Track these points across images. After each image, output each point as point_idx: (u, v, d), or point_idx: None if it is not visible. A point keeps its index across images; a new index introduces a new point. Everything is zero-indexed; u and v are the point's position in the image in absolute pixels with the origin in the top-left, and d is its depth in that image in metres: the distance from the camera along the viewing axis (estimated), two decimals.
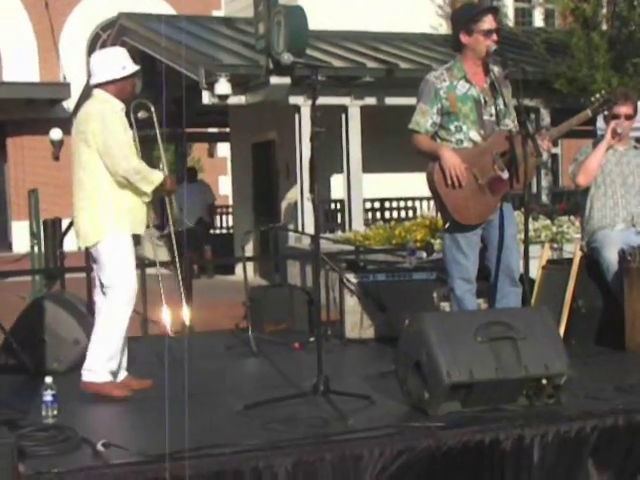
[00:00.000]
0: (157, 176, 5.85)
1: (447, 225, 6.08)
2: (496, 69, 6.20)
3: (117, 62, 5.90)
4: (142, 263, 12.28)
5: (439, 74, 6.12)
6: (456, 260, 6.12)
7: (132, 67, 5.94)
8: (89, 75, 6.05)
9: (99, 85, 5.90)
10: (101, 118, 5.76)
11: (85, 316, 6.72)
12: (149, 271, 11.08)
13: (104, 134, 5.72)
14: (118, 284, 5.79)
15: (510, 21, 18.35)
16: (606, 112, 6.99)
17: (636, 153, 7.19)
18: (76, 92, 22.65)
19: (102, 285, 5.88)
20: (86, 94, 6.15)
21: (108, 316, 5.81)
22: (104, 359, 5.76)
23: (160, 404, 5.53)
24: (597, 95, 6.53)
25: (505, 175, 6.00)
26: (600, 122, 10.05)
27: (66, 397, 5.31)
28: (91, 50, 29.29)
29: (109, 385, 5.76)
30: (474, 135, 6.06)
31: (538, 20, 20.20)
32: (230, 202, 22.83)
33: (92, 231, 5.81)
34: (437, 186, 5.99)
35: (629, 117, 7.06)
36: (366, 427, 4.64)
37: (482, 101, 6.10)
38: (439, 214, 6.34)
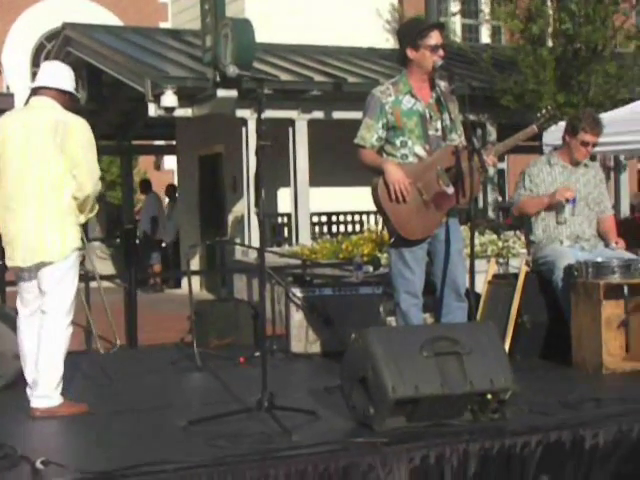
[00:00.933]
0: (97, 208, 5.83)
1: (392, 239, 6.09)
2: (442, 84, 6.21)
3: (73, 80, 5.81)
4: (86, 276, 12.15)
5: (385, 89, 6.12)
6: (402, 274, 6.12)
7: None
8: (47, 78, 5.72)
9: (57, 92, 5.66)
10: (88, 130, 5.62)
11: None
12: (92, 284, 10.95)
13: (86, 148, 5.57)
14: (69, 304, 5.61)
15: (457, 37, 18.47)
16: (572, 136, 7.04)
17: (585, 171, 7.22)
18: (20, 103, 22.43)
19: (45, 306, 5.59)
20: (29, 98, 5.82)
21: (60, 339, 5.57)
22: (57, 382, 5.58)
23: (102, 420, 5.48)
24: (543, 111, 6.57)
25: (450, 190, 6.01)
26: (547, 138, 10.16)
27: (4, 414, 5.22)
28: (35, 60, 29.12)
29: (65, 405, 5.61)
30: (419, 150, 6.07)
31: (485, 36, 20.38)
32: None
33: (59, 246, 5.53)
34: (381, 201, 5.99)
35: (595, 145, 7.13)
36: (311, 443, 4.60)
37: (427, 116, 6.10)
38: (385, 228, 6.34)
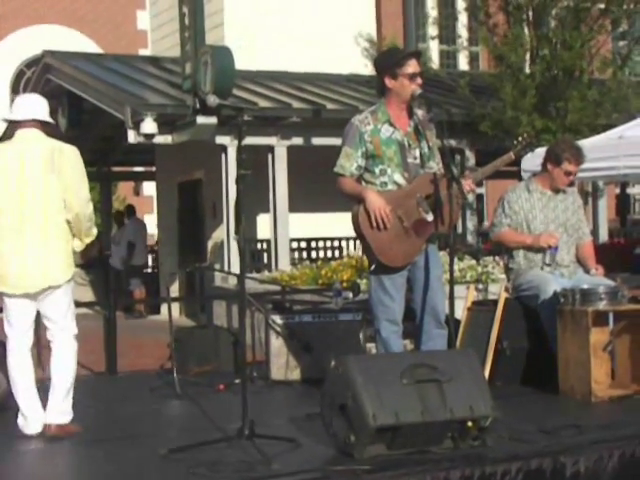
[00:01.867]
0: (95, 232, 5.97)
1: (373, 267, 6.09)
2: (419, 112, 6.24)
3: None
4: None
5: (363, 118, 6.14)
6: (382, 302, 6.12)
7: None
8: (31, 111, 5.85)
9: (41, 123, 5.81)
10: (79, 156, 5.79)
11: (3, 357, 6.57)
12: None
13: (78, 172, 5.75)
14: (73, 322, 5.83)
15: (434, 64, 18.58)
16: (555, 165, 7.09)
17: (563, 197, 7.25)
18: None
19: (52, 327, 5.79)
20: (13, 131, 5.89)
21: (72, 356, 5.81)
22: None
23: (82, 448, 5.46)
24: (520, 138, 6.61)
25: (430, 217, 6.03)
26: (525, 164, 10.23)
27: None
28: (15, 87, 29.10)
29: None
30: (398, 178, 6.09)
31: (463, 63, 20.50)
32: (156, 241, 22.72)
33: (64, 269, 5.73)
34: (362, 228, 6.00)
35: (576, 174, 7.18)
36: (291, 471, 4.59)
37: (406, 144, 6.13)
38: (365, 255, 6.34)
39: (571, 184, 7.34)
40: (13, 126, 5.84)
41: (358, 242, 16.45)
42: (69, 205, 5.70)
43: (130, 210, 19.94)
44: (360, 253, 15.27)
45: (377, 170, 6.08)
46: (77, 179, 5.75)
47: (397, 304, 6.14)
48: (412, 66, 6.05)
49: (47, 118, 5.85)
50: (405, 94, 6.06)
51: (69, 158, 5.73)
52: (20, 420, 5.71)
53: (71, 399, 5.78)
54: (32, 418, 5.68)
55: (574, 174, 7.17)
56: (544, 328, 6.86)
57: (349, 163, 6.08)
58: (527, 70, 15.93)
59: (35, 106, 5.86)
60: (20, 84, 28.51)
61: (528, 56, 15.96)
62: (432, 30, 18.72)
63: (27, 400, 5.69)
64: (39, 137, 5.77)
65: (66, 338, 5.80)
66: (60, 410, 5.71)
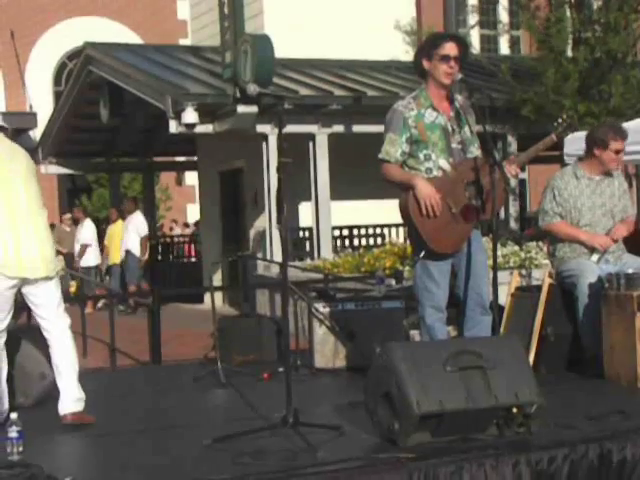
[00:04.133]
0: None
1: (422, 254, 6.04)
2: (460, 97, 6.21)
3: None
4: (110, 294, 12.21)
5: (406, 103, 6.11)
6: (427, 288, 6.10)
7: None
8: None
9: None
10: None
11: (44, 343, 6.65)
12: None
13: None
14: (65, 313, 5.91)
15: (475, 49, 18.45)
16: (602, 149, 7.01)
17: (610, 181, 7.16)
18: (42, 122, 22.57)
19: (48, 317, 5.83)
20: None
21: (73, 344, 5.87)
22: None
23: (128, 438, 5.49)
24: (560, 120, 6.52)
25: (478, 203, 5.99)
26: (568, 148, 10.12)
27: (32, 433, 5.23)
28: (57, 79, 29.29)
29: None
30: (443, 163, 6.05)
31: (504, 47, 20.34)
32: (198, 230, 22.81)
33: (55, 262, 5.91)
34: (412, 216, 5.96)
35: (619, 152, 7.09)
36: (336, 459, 4.59)
37: (449, 129, 6.10)
38: (410, 243, 6.31)
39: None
40: None
41: (400, 229, 16.46)
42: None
43: (133, 204, 19.36)
44: (402, 240, 15.27)
45: (421, 156, 6.05)
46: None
47: (442, 290, 6.12)
48: (448, 48, 6.01)
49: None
50: (439, 76, 6.02)
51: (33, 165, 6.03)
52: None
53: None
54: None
55: (623, 151, 7.09)
56: (580, 319, 6.81)
57: (394, 149, 6.05)
58: (569, 54, 15.77)
59: None
60: (62, 76, 28.75)
61: (570, 39, 15.79)
62: (472, 18, 18.62)
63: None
64: (7, 140, 5.95)
65: (64, 327, 5.84)
66: (75, 398, 5.76)
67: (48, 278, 5.78)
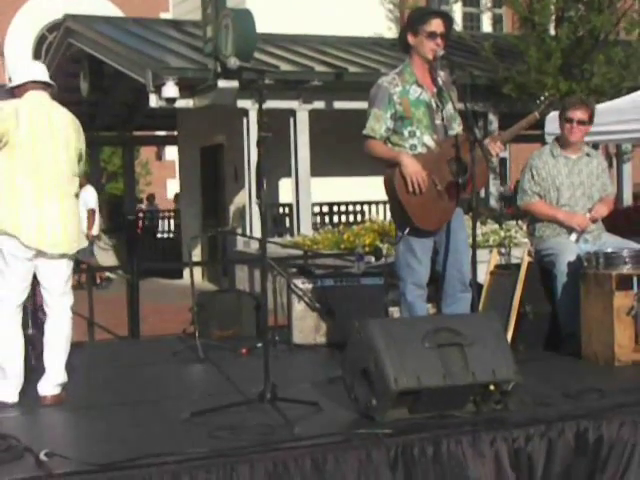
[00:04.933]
0: None
1: (407, 231, 6.02)
2: (442, 74, 6.18)
3: None
4: (89, 267, 12.16)
5: (391, 79, 6.08)
6: (409, 265, 6.09)
7: None
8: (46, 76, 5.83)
9: (50, 87, 5.80)
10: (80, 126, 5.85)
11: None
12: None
13: (84, 142, 5.86)
14: (71, 292, 5.79)
15: (458, 26, 18.42)
16: (559, 115, 7.06)
17: (588, 160, 7.17)
18: None
19: (54, 292, 5.69)
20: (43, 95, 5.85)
21: (70, 325, 5.74)
22: None
23: (105, 412, 5.48)
24: (542, 97, 6.52)
25: (461, 180, 5.98)
26: (549, 127, 10.13)
27: (6, 406, 5.22)
28: (37, 52, 29.09)
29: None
30: (428, 140, 6.03)
31: (487, 25, 20.33)
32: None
33: (78, 240, 5.75)
34: (398, 192, 5.94)
35: (582, 122, 7.07)
36: (313, 434, 4.59)
37: (434, 105, 6.08)
38: (394, 220, 6.30)
39: (595, 147, 7.26)
40: (24, 87, 5.75)
41: (380, 207, 16.46)
42: (81, 175, 5.87)
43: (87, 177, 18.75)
44: (382, 218, 15.29)
45: (406, 132, 6.03)
46: (84, 152, 5.87)
47: (424, 267, 6.11)
48: (435, 25, 5.97)
49: (50, 81, 5.85)
50: (424, 52, 5.99)
51: (79, 130, 5.81)
52: (7, 387, 5.57)
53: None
54: (17, 385, 5.59)
55: (577, 122, 7.06)
56: (557, 297, 6.84)
57: (379, 125, 6.02)
58: (552, 32, 15.77)
59: (44, 70, 5.87)
60: (42, 49, 28.55)
61: (554, 18, 15.79)
62: None
63: (19, 367, 5.58)
64: (56, 104, 5.77)
65: (66, 307, 5.72)
66: (58, 382, 5.64)
67: (66, 255, 5.66)
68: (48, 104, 5.72)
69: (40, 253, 5.57)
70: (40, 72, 5.83)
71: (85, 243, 5.87)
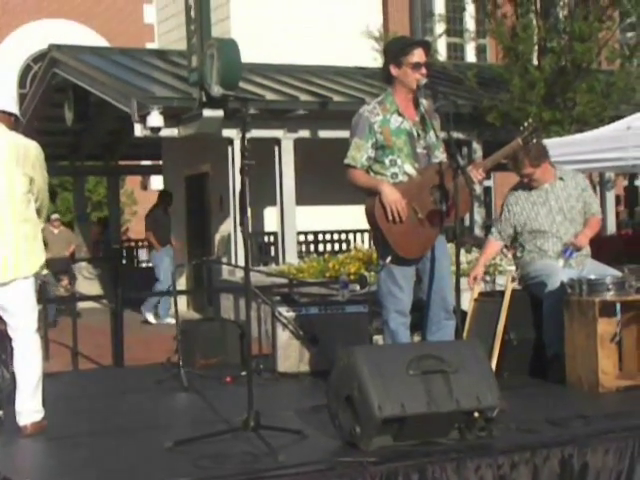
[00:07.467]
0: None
1: (389, 259, 6.03)
2: (425, 102, 6.21)
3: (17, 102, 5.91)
4: (73, 297, 12.15)
5: (372, 108, 6.11)
6: (392, 293, 6.10)
7: None
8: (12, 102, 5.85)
9: (3, 114, 5.74)
10: (41, 152, 5.77)
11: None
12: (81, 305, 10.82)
13: (41, 168, 5.74)
14: (35, 316, 5.69)
15: (442, 56, 18.52)
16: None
17: (563, 185, 7.17)
18: None
19: (21, 324, 5.62)
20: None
21: (37, 351, 5.64)
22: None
23: (87, 441, 5.45)
24: (525, 123, 6.54)
25: (443, 208, 5.99)
26: None
27: None
28: (22, 81, 29.10)
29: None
30: (409, 168, 6.05)
31: (471, 55, 20.44)
32: None
33: (32, 262, 5.64)
34: (378, 221, 5.96)
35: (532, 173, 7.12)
36: (297, 462, 4.57)
37: (415, 134, 6.10)
38: (377, 248, 6.30)
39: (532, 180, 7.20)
40: None
41: (365, 235, 16.43)
42: (43, 206, 5.83)
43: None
44: (367, 246, 15.29)
45: (387, 161, 6.05)
46: (39, 176, 5.74)
47: (406, 295, 6.12)
48: (417, 55, 6.01)
49: (8, 108, 5.77)
50: (409, 83, 6.03)
51: (39, 158, 5.72)
52: None
53: (40, 395, 5.62)
54: None
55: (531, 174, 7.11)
56: (544, 318, 6.84)
57: (360, 154, 6.05)
58: (535, 62, 15.87)
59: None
60: (27, 79, 28.58)
61: (536, 48, 15.90)
62: (439, 27, 18.68)
63: None
64: (9, 131, 5.71)
65: (29, 333, 5.62)
66: (33, 409, 5.57)
67: (19, 280, 5.56)
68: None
69: None
70: None
71: (42, 269, 5.78)
